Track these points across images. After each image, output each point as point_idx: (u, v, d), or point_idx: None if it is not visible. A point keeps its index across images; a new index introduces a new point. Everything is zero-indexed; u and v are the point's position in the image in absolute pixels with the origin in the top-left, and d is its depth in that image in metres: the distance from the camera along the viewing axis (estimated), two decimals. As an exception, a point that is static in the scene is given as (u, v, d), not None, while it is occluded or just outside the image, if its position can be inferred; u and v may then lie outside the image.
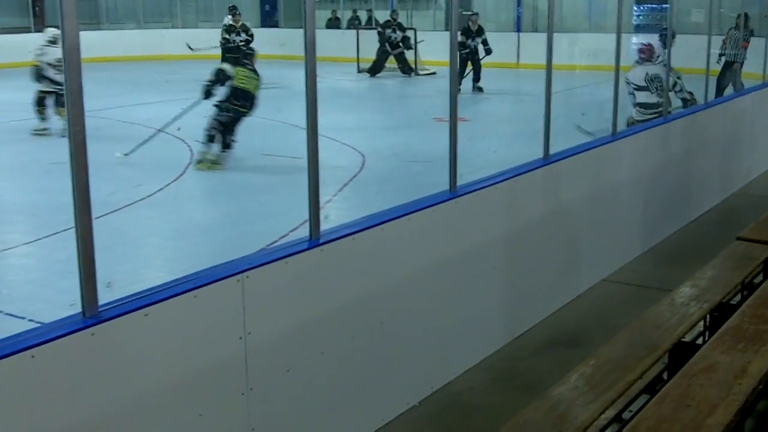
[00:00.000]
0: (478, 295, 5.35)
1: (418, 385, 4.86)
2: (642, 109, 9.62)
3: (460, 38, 17.45)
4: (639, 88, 9.69)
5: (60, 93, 12.72)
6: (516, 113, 15.86)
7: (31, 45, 21.27)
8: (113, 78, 19.85)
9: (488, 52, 17.64)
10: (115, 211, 8.43)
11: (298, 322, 3.94)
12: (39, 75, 13.80)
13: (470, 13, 18.73)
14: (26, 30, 26.38)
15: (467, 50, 17.54)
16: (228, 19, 19.77)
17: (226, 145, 11.38)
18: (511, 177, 5.61)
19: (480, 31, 17.94)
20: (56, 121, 13.46)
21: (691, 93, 9.74)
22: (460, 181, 5.08)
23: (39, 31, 25.39)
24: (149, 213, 8.96)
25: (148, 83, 21.16)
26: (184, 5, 29.83)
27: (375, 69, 21.85)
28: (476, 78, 17.79)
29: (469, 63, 17.72)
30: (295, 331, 3.92)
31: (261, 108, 16.11)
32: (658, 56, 9.63)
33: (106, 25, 28.13)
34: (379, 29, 22.09)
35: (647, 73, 9.64)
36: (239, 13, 19.96)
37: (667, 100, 8.79)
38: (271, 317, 3.78)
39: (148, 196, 9.42)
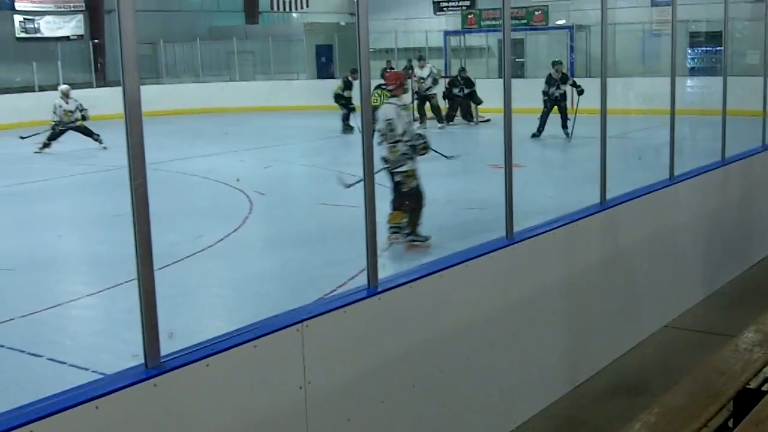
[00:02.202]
0: (537, 343, 5.30)
1: (479, 434, 4.82)
2: (384, 163, 8.56)
3: (543, 87, 17.66)
4: (380, 133, 8.48)
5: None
6: (571, 158, 15.83)
7: (93, 99, 21.98)
8: (173, 131, 20.25)
9: (580, 92, 17.51)
10: (176, 261, 8.54)
11: (357, 371, 3.94)
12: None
13: (554, 61, 18.71)
14: (88, 85, 27.10)
15: (548, 98, 17.61)
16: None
17: None
18: (569, 222, 5.59)
19: (564, 78, 17.92)
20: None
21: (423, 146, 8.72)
22: (517, 228, 5.07)
23: (100, 86, 26.21)
24: (210, 263, 9.07)
25: (207, 135, 21.53)
26: (241, 59, 30.38)
27: (449, 117, 21.93)
28: (563, 124, 17.78)
29: (556, 109, 17.77)
30: (354, 380, 3.93)
31: (318, 157, 16.36)
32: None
33: (165, 80, 28.75)
34: (447, 86, 22.11)
35: (386, 117, 8.46)
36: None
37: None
38: (331, 366, 3.79)
39: (209, 246, 9.54)
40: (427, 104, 21.32)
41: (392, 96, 8.77)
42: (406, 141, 8.56)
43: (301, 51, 30.65)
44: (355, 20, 4.10)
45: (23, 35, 27.96)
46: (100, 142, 18.22)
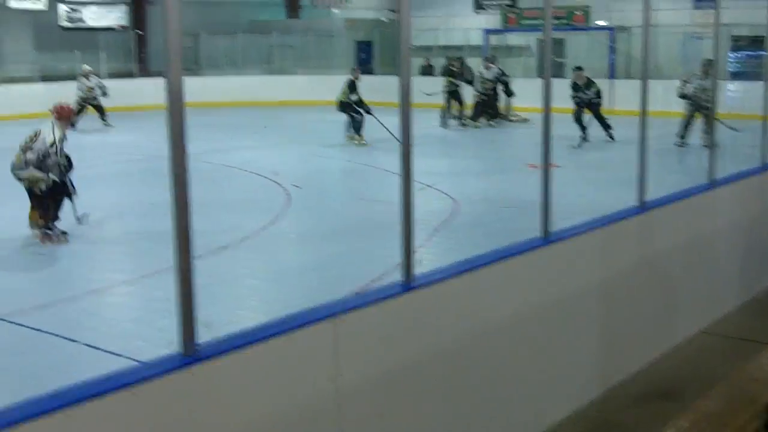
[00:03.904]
0: (570, 344, 5.29)
1: (509, 433, 4.81)
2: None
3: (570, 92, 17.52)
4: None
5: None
6: (610, 160, 15.72)
7: (135, 89, 22.27)
8: (213, 122, 20.38)
9: (597, 104, 17.36)
10: (212, 252, 8.62)
11: (390, 366, 3.95)
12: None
13: (575, 68, 18.44)
14: (131, 75, 27.39)
15: (579, 101, 17.38)
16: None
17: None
18: (606, 224, 5.56)
19: (589, 85, 17.59)
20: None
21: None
22: (553, 228, 5.06)
23: (143, 76, 26.47)
24: (246, 254, 9.14)
25: (246, 128, 21.66)
26: (281, 53, 30.49)
27: (488, 115, 21.99)
28: (602, 126, 17.64)
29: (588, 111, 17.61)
30: (387, 375, 3.94)
31: (356, 152, 16.41)
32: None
33: (206, 72, 28.93)
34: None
35: (43, 132, 9.42)
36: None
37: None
38: (364, 361, 3.81)
39: (246, 237, 9.62)
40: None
41: (58, 121, 9.53)
42: (43, 156, 9.26)
43: (342, 46, 30.69)
44: (395, 17, 4.11)
45: (68, 25, 28.26)
46: (106, 123, 21.07)
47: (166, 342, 3.46)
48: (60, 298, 7.55)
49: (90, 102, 20.92)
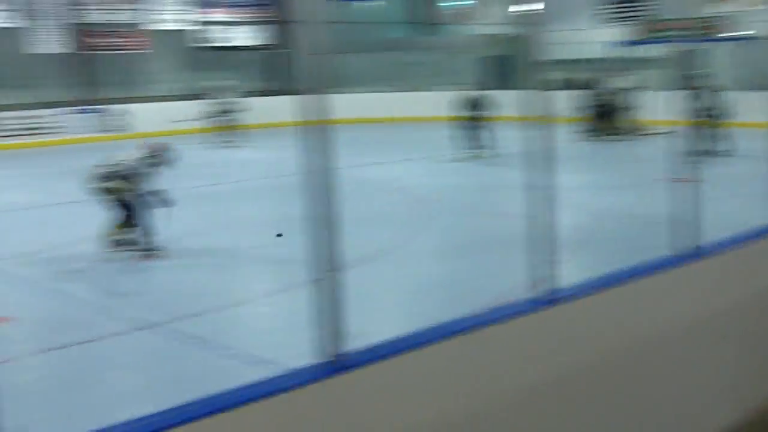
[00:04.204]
0: (715, 365, 5.10)
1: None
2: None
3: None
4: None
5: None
6: (748, 174, 15.14)
7: (280, 106, 22.88)
8: (349, 138, 20.65)
9: (718, 115, 16.80)
10: (351, 265, 8.75)
11: (530, 382, 3.91)
12: None
13: (695, 75, 17.81)
14: (276, 93, 28.17)
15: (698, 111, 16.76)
16: None
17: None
18: (758, 237, 5.36)
19: (707, 94, 16.93)
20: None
21: None
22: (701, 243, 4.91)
23: (287, 94, 27.14)
24: (384, 267, 9.27)
25: (381, 144, 21.93)
26: (415, 69, 30.71)
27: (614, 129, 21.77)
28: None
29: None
30: (527, 391, 3.90)
31: (486, 167, 16.36)
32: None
33: (341, 89, 29.40)
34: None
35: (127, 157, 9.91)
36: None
37: None
38: (500, 377, 3.79)
39: (382, 251, 9.75)
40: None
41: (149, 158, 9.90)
42: (126, 175, 9.73)
43: (474, 62, 30.65)
44: (525, 32, 4.11)
45: (216, 45, 29.22)
46: (232, 141, 22.02)
47: (312, 351, 3.56)
48: (210, 307, 7.84)
49: (222, 118, 22.27)
